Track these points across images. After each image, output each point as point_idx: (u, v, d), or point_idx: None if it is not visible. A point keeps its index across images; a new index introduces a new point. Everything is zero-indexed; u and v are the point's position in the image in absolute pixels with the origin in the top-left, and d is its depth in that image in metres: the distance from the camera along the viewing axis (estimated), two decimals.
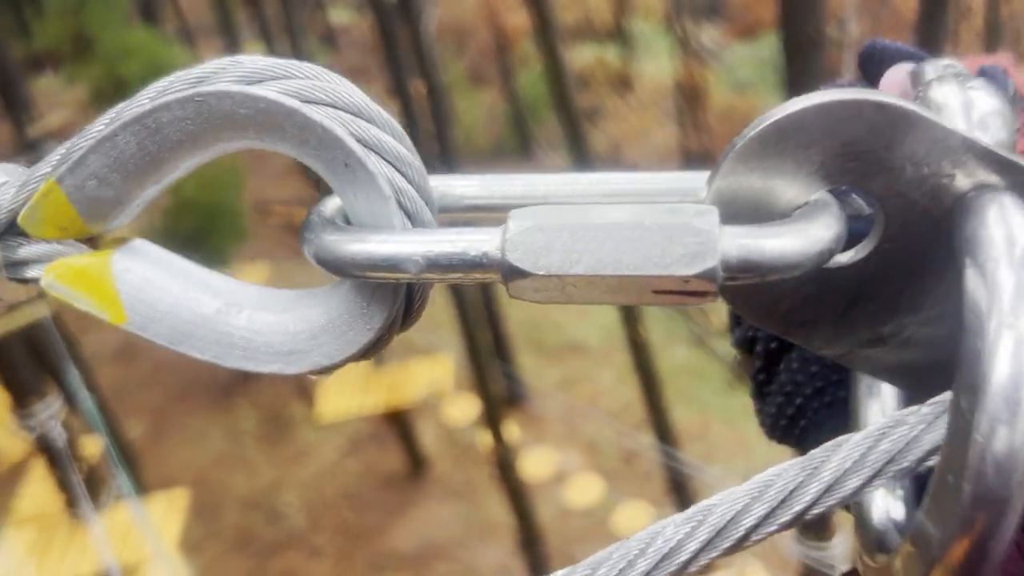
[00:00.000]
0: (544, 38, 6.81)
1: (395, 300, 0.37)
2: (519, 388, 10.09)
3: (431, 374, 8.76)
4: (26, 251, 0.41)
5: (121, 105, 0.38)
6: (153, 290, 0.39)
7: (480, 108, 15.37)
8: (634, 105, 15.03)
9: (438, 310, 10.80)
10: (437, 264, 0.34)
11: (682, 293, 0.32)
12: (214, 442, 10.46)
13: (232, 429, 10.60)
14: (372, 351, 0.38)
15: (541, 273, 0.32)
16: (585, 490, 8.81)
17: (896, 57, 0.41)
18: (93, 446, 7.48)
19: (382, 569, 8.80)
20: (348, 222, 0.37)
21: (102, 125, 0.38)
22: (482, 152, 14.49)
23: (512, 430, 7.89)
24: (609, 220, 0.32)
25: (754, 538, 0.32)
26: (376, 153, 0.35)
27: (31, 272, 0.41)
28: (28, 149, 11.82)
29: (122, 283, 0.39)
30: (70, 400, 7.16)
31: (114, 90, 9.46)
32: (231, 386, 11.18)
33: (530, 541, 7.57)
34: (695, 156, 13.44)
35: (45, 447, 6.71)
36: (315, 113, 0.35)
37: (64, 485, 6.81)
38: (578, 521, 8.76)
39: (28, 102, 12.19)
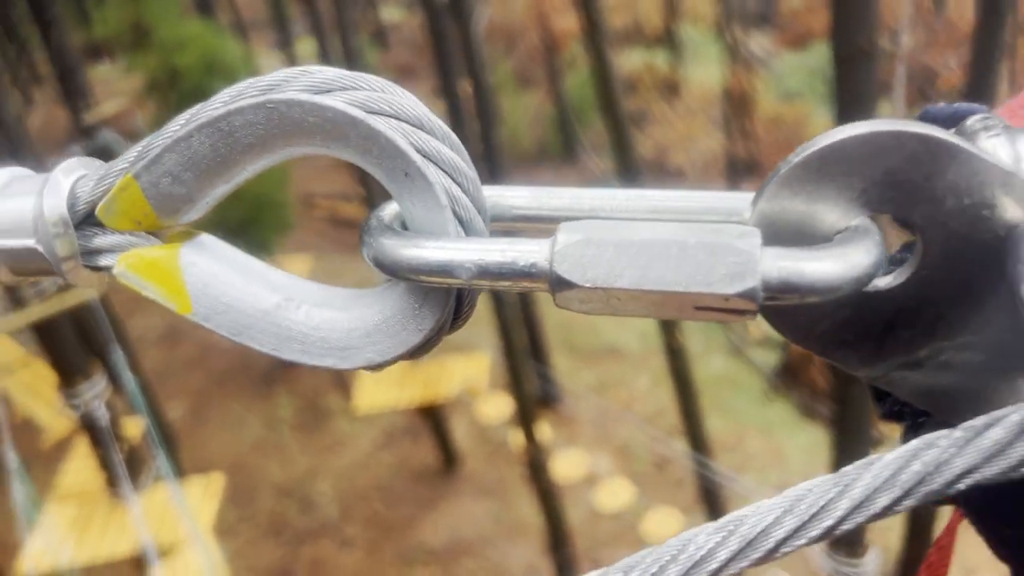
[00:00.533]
0: (593, 41, 6.79)
1: (446, 304, 0.39)
2: (553, 389, 10.10)
3: (467, 371, 8.80)
4: (100, 241, 0.43)
5: (197, 107, 0.40)
6: (217, 283, 0.41)
7: (526, 110, 15.39)
8: (681, 111, 14.94)
9: (476, 309, 10.82)
10: (488, 272, 0.35)
11: (723, 311, 0.33)
12: (252, 428, 10.61)
13: (270, 416, 10.75)
14: (422, 351, 0.40)
15: (587, 285, 0.33)
16: (615, 494, 8.78)
17: (950, 122, 0.40)
18: (135, 427, 7.62)
19: (411, 562, 8.86)
20: (405, 227, 0.39)
21: (178, 126, 0.39)
22: (526, 154, 14.51)
23: (544, 431, 7.90)
24: (654, 237, 0.33)
25: (784, 550, 0.33)
26: (434, 164, 0.37)
27: (104, 261, 0.43)
28: (83, 135, 12.12)
29: (189, 275, 0.41)
30: (115, 381, 7.32)
31: (169, 80, 9.64)
32: (271, 374, 11.34)
33: (558, 543, 7.56)
34: (741, 164, 13.31)
35: (89, 426, 6.86)
36: (379, 124, 0.36)
37: (105, 464, 6.95)
38: (607, 525, 8.73)
39: (85, 89, 12.50)
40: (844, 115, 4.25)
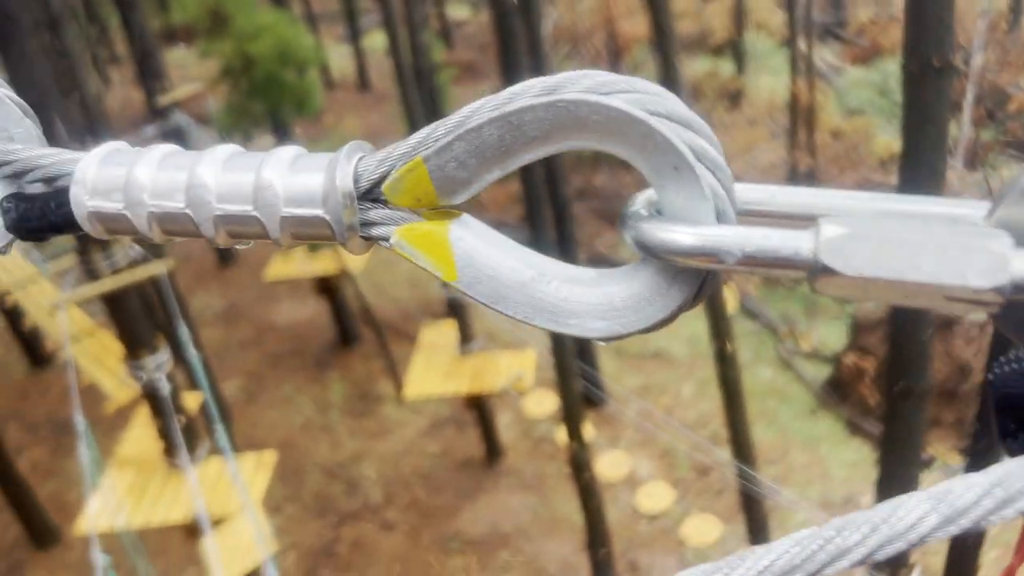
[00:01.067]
0: (660, 47, 6.83)
1: (696, 284, 0.42)
2: (598, 390, 10.13)
3: (514, 367, 8.90)
4: (374, 214, 0.47)
5: (481, 102, 0.44)
6: (480, 257, 0.45)
7: None
8: (740, 121, 14.86)
9: None
10: (751, 257, 0.39)
11: (971, 302, 0.37)
12: (302, 410, 10.84)
13: (321, 399, 10.98)
14: (662, 326, 0.43)
15: (850, 274, 0.37)
16: (655, 497, 8.80)
17: None
18: (193, 400, 7.85)
19: (448, 550, 9.00)
20: (657, 213, 0.42)
21: (461, 116, 0.44)
22: (584, 157, 14.56)
23: (588, 430, 7.95)
24: (914, 234, 0.37)
25: (992, 519, 0.36)
26: (701, 161, 0.41)
27: (376, 231, 0.47)
28: (157, 116, 12.51)
29: (457, 248, 0.46)
30: (178, 355, 7.55)
31: (242, 67, 9.88)
32: (323, 358, 11.59)
33: (596, 541, 7.60)
34: (800, 176, 13.18)
35: (151, 396, 7.10)
36: (657, 124, 0.40)
37: (164, 434, 7.19)
38: (646, 527, 8.76)
39: (161, 72, 12.90)
40: (912, 132, 4.23)
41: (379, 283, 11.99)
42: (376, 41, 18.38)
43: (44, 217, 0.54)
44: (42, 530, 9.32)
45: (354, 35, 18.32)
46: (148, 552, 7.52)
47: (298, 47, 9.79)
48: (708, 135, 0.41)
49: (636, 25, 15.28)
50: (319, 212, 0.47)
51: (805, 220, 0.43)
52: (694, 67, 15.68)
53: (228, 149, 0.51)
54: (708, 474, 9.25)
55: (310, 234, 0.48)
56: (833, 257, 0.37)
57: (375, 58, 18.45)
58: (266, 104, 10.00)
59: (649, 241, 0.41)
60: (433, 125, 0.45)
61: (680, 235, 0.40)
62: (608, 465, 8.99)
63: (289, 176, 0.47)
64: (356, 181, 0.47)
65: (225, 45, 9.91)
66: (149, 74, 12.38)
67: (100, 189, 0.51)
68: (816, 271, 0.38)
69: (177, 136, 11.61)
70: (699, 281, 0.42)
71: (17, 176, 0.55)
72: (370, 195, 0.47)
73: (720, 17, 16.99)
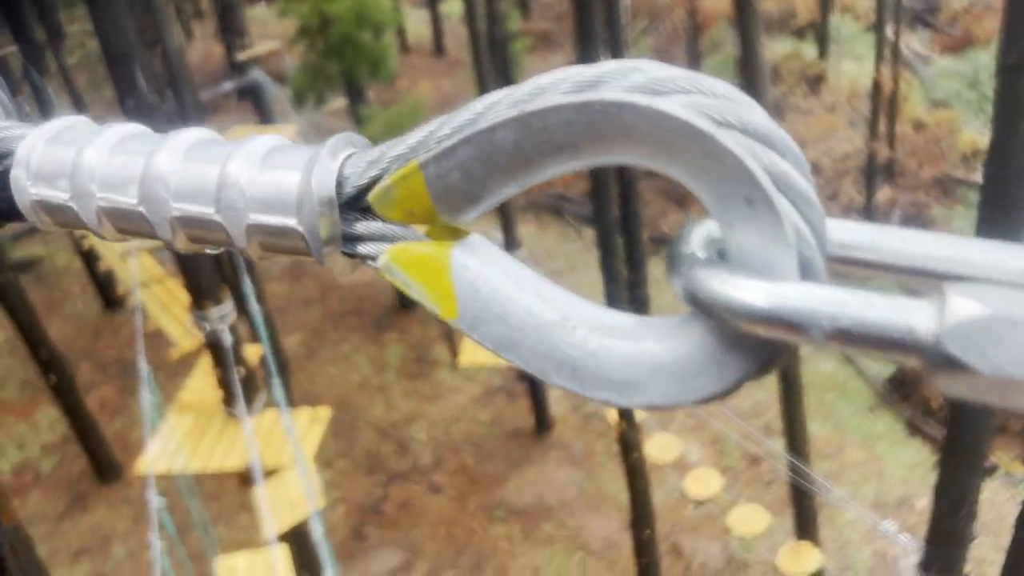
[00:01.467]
0: (742, 25, 6.67)
1: (761, 355, 0.32)
2: None
3: None
4: (362, 227, 0.39)
5: (500, 94, 0.35)
6: (488, 291, 0.36)
7: None
8: (819, 107, 14.45)
9: (580, 279, 10.90)
10: (847, 333, 0.28)
11: None
12: (359, 369, 11.03)
13: (378, 359, 11.15)
14: (712, 401, 0.33)
15: (987, 372, 0.26)
16: (704, 483, 8.73)
17: None
18: (253, 353, 8.04)
19: (493, 517, 9.09)
20: (720, 256, 0.33)
21: (473, 114, 0.36)
22: None
23: (639, 411, 7.90)
24: None
25: None
26: (784, 192, 0.31)
27: (363, 249, 0.39)
28: (235, 72, 12.75)
29: (459, 278, 0.37)
30: (241, 308, 7.72)
31: (319, 27, 9.98)
32: (383, 319, 11.75)
33: (640, 521, 7.59)
34: (879, 167, 12.80)
35: (213, 346, 7.29)
36: (727, 140, 0.30)
37: (224, 384, 7.39)
38: (692, 512, 8.72)
39: (242, 29, 13.13)
40: (1003, 127, 4.06)
41: None
42: (454, 7, 18.38)
43: None
44: (106, 465, 9.71)
45: (432, 0, 18.33)
46: (202, 496, 7.78)
47: (375, 9, 9.83)
48: (795, 156, 0.32)
49: (718, 2, 14.94)
50: (291, 222, 0.38)
51: (918, 276, 0.32)
52: (775, 49, 15.28)
53: (196, 134, 0.43)
54: (759, 464, 9.14)
55: (282, 246, 0.40)
56: (964, 346, 0.26)
57: (451, 24, 18.45)
58: (341, 65, 10.09)
59: (707, 296, 0.31)
60: (438, 121, 0.37)
61: (750, 293, 0.30)
62: (657, 447, 8.93)
63: (259, 174, 0.39)
64: (339, 185, 0.39)
65: (304, 4, 10.01)
66: (230, 29, 12.61)
67: (45, 174, 0.44)
68: (937, 361, 0.27)
69: (252, 91, 11.81)
70: (768, 351, 0.31)
71: None
72: (357, 203, 0.39)
73: None
